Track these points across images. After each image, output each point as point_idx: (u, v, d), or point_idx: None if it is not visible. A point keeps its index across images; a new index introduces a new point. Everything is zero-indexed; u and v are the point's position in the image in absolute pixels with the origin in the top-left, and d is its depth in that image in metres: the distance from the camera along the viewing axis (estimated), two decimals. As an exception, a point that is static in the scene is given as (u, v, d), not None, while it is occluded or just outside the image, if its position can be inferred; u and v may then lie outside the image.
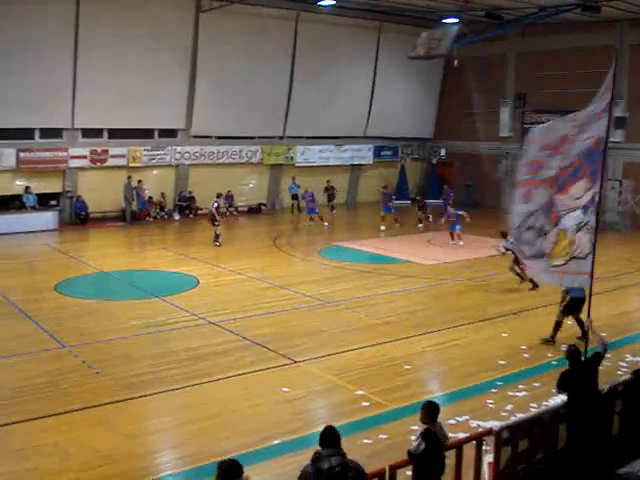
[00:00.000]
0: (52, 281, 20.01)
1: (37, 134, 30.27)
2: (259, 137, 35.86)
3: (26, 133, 29.85)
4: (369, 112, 38.68)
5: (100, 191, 31.39)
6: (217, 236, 25.77)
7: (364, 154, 39.47)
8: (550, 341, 14.55)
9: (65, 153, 30.62)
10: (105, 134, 31.91)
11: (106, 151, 31.55)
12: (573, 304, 14.14)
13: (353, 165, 39.52)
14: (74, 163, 30.90)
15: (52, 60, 28.70)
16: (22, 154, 29.51)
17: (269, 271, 21.78)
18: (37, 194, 29.82)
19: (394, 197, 33.49)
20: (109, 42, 29.62)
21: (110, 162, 31.70)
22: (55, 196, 31.06)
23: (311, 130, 36.97)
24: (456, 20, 29.80)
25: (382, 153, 40.18)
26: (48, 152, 30.13)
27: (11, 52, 27.50)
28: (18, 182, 29.86)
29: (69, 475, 9.13)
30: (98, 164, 31.49)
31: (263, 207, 36.11)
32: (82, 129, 31.13)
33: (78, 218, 30.98)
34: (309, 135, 37.22)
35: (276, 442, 10.10)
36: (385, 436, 10.20)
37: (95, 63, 29.56)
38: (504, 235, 18.33)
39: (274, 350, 14.18)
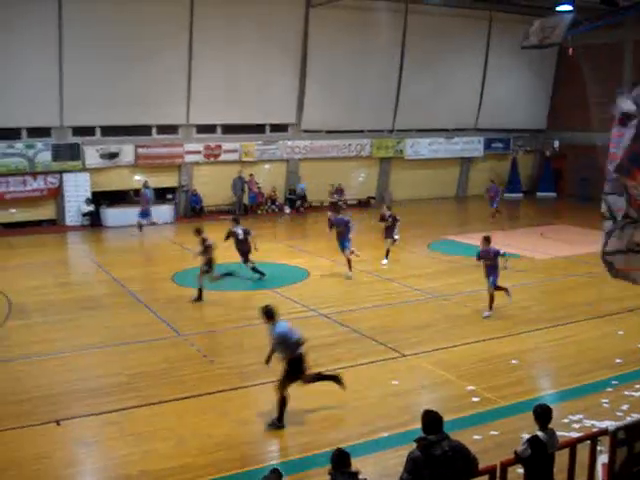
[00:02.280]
0: (169, 272, 20.74)
1: (154, 131, 31.42)
2: (369, 130, 35.91)
3: (144, 130, 31.08)
4: (480, 103, 38.04)
5: (213, 185, 32.32)
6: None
7: (474, 146, 38.84)
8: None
9: (181, 149, 31.69)
10: (218, 130, 32.75)
11: (219, 146, 32.41)
12: None
13: (463, 158, 38.97)
14: (189, 158, 31.95)
15: (168, 60, 29.83)
16: (140, 150, 30.76)
17: (378, 264, 21.75)
18: (154, 188, 30.93)
19: (501, 191, 32.55)
20: (222, 41, 30.53)
21: (223, 157, 32.56)
22: (171, 190, 32.17)
23: (421, 123, 36.69)
24: (570, 7, 28.80)
25: (493, 145, 39.42)
26: (165, 148, 31.27)
27: (130, 53, 28.73)
28: (137, 177, 31.10)
29: (185, 459, 9.45)
30: (212, 159, 32.39)
31: (372, 200, 36.12)
32: (197, 125, 32.08)
33: (193, 211, 32.03)
34: (419, 128, 36.95)
35: (384, 435, 10.12)
36: (495, 433, 10.02)
37: (209, 61, 30.49)
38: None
39: (383, 343, 14.19)
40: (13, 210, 29.33)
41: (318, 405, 11.13)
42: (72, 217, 29.94)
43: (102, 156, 30.21)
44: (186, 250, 23.67)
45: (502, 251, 16.16)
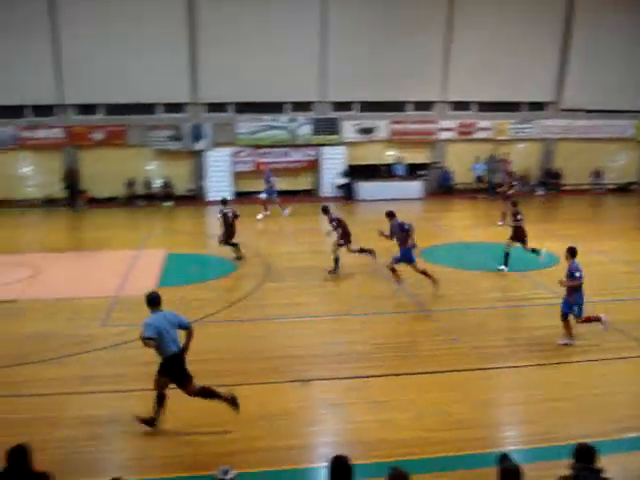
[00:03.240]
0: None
1: (409, 107, 31.69)
2: (634, 111, 33.36)
3: (398, 106, 31.45)
4: None
5: (465, 163, 31.94)
6: None
7: None
8: None
9: (435, 125, 31.67)
10: (473, 107, 32.25)
11: (473, 124, 31.92)
12: None
13: None
14: (443, 135, 31.85)
15: (423, 35, 29.90)
16: (394, 126, 31.21)
17: (634, 254, 20.26)
18: (406, 164, 31.26)
19: None
20: (483, 18, 29.93)
21: (476, 135, 32.04)
22: (423, 166, 32.30)
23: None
24: None
25: None
26: (419, 124, 31.45)
27: (390, 33, 29.23)
28: (389, 152, 31.63)
29: (421, 433, 9.49)
30: (465, 137, 32.02)
31: (634, 186, 33.63)
32: (452, 102, 31.85)
33: (443, 188, 31.95)
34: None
35: (630, 435, 9.43)
36: None
37: (467, 38, 30.06)
38: None
39: (636, 338, 13.20)
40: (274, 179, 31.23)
41: (558, 395, 10.64)
42: (327, 188, 31.24)
43: (358, 131, 31.13)
44: (435, 227, 23.70)
45: None
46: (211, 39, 29.24)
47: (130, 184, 30.48)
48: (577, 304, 12.55)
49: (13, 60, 28.26)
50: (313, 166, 31.41)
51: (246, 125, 30.73)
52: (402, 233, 16.26)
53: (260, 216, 26.12)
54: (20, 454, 6.30)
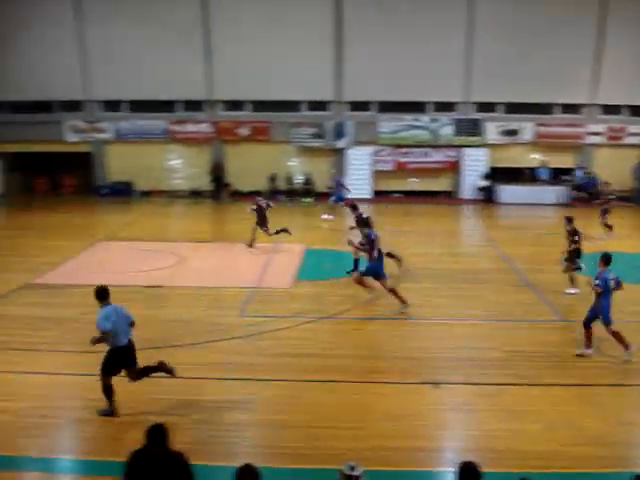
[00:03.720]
0: (556, 253, 20.21)
1: (556, 109, 30.70)
2: None
3: (544, 108, 30.54)
4: None
5: (612, 169, 30.52)
6: None
7: None
8: None
9: (582, 129, 30.51)
10: (625, 111, 30.82)
11: (623, 129, 30.52)
12: None
13: None
14: (590, 139, 30.64)
15: (571, 37, 29.08)
16: (539, 128, 30.35)
17: None
18: (551, 168, 30.33)
19: None
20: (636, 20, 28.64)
21: (627, 140, 30.61)
22: (566, 171, 31.21)
23: None
24: None
25: None
26: (566, 127, 30.40)
27: (537, 30, 28.44)
28: (533, 155, 30.79)
29: (553, 446, 9.24)
30: (614, 141, 30.66)
31: None
32: (601, 105, 30.60)
33: (587, 193, 30.70)
34: None
35: None
36: None
37: (621, 41, 28.89)
38: None
39: None
40: (414, 179, 31.22)
41: None
42: (467, 190, 30.82)
43: (502, 132, 30.50)
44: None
45: None
46: (356, 38, 29.51)
47: (272, 179, 31.30)
48: (602, 313, 12.17)
49: (166, 59, 29.75)
50: (453, 167, 31.08)
51: (388, 124, 30.83)
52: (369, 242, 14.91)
53: (326, 216, 26.35)
54: (159, 433, 6.59)
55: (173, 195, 31.56)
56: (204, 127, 31.56)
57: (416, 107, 30.80)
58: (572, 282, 16.44)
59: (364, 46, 29.43)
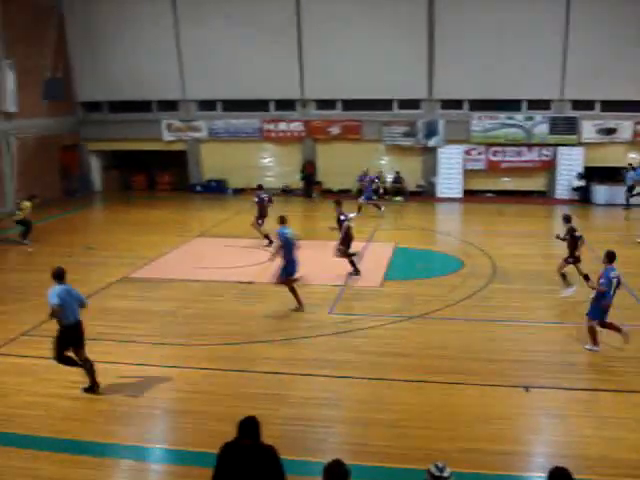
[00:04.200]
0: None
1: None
2: None
3: None
4: None
5: None
6: None
7: None
8: None
9: (685, 127, 29.35)
10: None
11: None
12: None
13: None
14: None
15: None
16: (639, 127, 29.39)
17: None
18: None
19: None
20: None
21: None
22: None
23: None
24: None
25: None
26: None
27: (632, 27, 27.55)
28: (632, 155, 29.77)
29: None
30: None
31: None
32: None
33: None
34: None
35: None
36: None
37: None
38: None
39: None
40: (507, 179, 30.76)
41: None
42: (562, 190, 30.08)
43: (599, 131, 29.62)
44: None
45: None
46: (449, 36, 29.19)
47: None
48: (593, 307, 12.24)
49: (260, 59, 30.31)
50: (548, 167, 30.36)
51: (480, 122, 30.39)
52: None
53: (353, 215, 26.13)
54: (251, 426, 6.71)
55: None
56: (296, 126, 31.92)
57: (509, 105, 30.23)
58: None
59: (457, 44, 29.04)
